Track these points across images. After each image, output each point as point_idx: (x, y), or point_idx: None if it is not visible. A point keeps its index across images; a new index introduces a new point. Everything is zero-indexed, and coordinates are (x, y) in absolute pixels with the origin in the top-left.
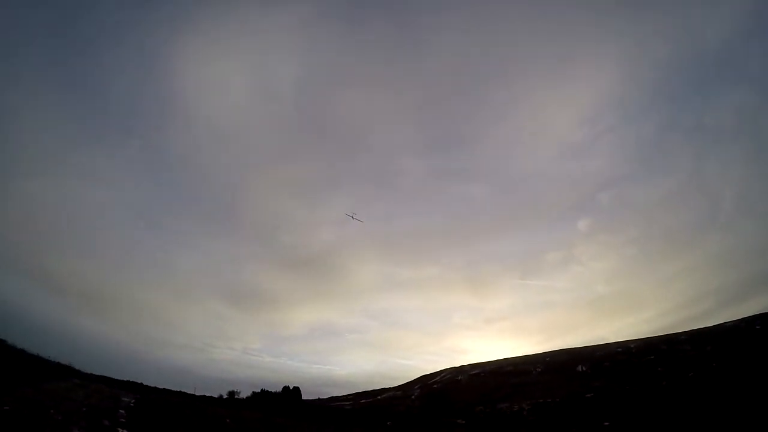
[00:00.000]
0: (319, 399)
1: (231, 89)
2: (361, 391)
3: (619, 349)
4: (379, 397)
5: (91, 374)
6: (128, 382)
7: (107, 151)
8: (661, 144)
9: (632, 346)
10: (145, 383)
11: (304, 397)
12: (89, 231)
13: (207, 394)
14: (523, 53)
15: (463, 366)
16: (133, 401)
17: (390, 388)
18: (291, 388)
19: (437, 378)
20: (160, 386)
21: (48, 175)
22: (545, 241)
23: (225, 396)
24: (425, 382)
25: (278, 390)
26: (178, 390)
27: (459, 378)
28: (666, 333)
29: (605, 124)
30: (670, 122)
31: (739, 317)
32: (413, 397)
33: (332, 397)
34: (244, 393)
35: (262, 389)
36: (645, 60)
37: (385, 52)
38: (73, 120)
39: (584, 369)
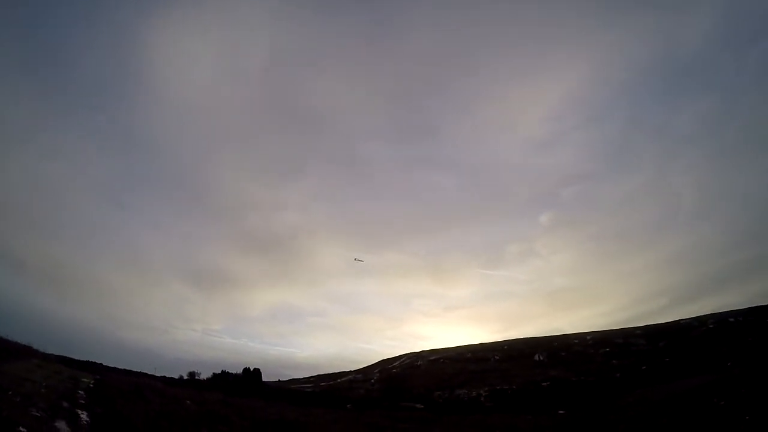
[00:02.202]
0: (279, 381)
1: (200, 68)
2: (321, 374)
3: (576, 341)
4: (339, 380)
5: (51, 354)
6: (88, 362)
7: (71, 126)
8: (625, 144)
9: (589, 338)
10: (105, 364)
11: (264, 379)
12: (51, 207)
13: (167, 375)
14: (496, 46)
15: (422, 351)
16: (92, 382)
17: (350, 371)
18: (252, 369)
19: (397, 363)
20: (120, 367)
21: (8, 149)
22: (507, 232)
23: (185, 377)
24: (385, 366)
25: (239, 371)
26: (139, 371)
27: (418, 363)
28: (622, 327)
29: (572, 122)
30: (636, 123)
31: (693, 315)
32: (373, 380)
33: (293, 380)
34: (205, 374)
35: (222, 370)
36: (615, 61)
37: (359, 38)
38: (36, 93)
39: (542, 358)
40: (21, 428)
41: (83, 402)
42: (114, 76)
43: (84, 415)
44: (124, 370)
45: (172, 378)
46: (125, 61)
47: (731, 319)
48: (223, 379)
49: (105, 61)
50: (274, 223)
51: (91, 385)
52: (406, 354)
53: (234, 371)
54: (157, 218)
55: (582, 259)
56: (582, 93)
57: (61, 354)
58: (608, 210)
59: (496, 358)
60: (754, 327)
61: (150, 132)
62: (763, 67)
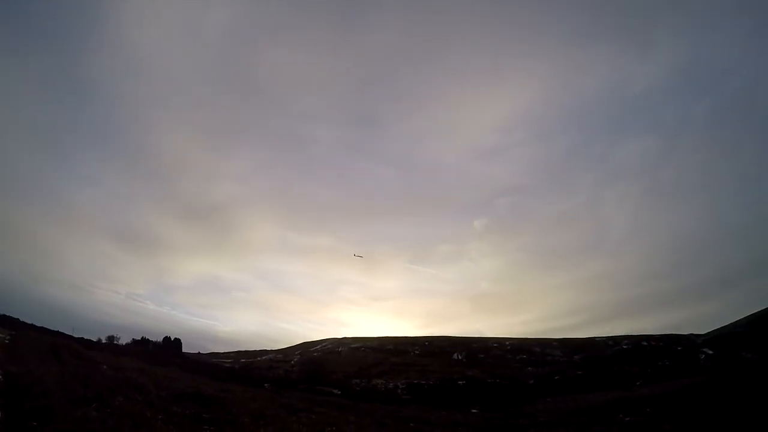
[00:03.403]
0: (199, 353)
1: (159, 23)
2: (241, 350)
3: (495, 344)
4: (259, 359)
5: None
6: (4, 316)
7: (15, 62)
8: (565, 166)
9: (507, 343)
10: (21, 319)
11: (184, 349)
12: None
13: (86, 337)
14: (458, 52)
15: (345, 338)
16: (7, 338)
17: (271, 350)
18: (172, 339)
19: (318, 347)
20: (38, 324)
21: None
22: (440, 232)
23: (104, 340)
24: (306, 349)
25: (159, 340)
26: (56, 330)
27: (340, 350)
28: (540, 337)
29: (519, 136)
30: (579, 149)
31: (608, 335)
32: (293, 362)
33: (213, 353)
34: (124, 339)
35: (142, 337)
36: (569, 87)
37: (324, 18)
38: None
39: (460, 358)
40: None
41: None
42: (67, 18)
43: None
44: (41, 327)
45: (90, 340)
46: (82, 4)
47: (644, 343)
48: (142, 345)
49: (61, 2)
50: (210, 192)
51: (6, 342)
52: (328, 339)
53: (154, 339)
54: (91, 171)
55: (509, 267)
56: (533, 111)
57: None
58: (540, 225)
59: (416, 352)
60: (665, 352)
61: (97, 82)
62: (706, 121)
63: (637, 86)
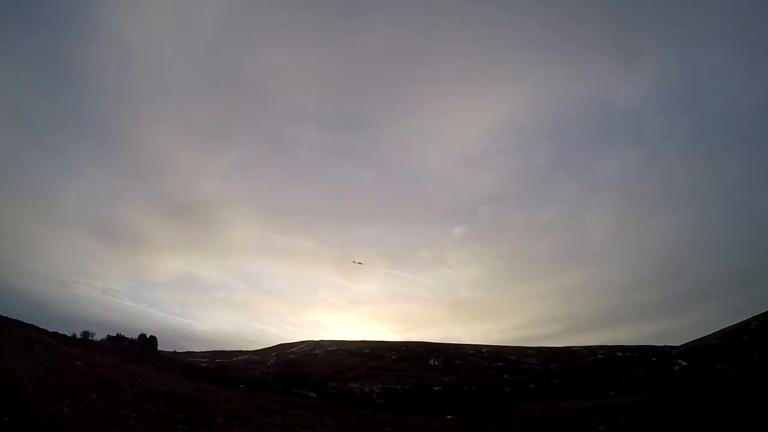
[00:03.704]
0: (175, 352)
1: (151, 14)
2: (217, 350)
3: (472, 351)
4: (235, 359)
5: None
6: None
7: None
8: (548, 176)
9: (484, 351)
10: None
11: (160, 347)
12: None
13: (60, 332)
14: (447, 58)
15: (322, 341)
16: None
17: (247, 351)
18: (148, 336)
19: (295, 349)
20: (12, 316)
21: None
22: (420, 238)
23: (79, 335)
24: (283, 350)
25: (134, 337)
26: (30, 323)
27: (316, 352)
28: (516, 345)
29: (503, 145)
30: (562, 159)
31: (584, 345)
32: (269, 364)
33: (189, 352)
34: (99, 335)
35: (118, 333)
36: (556, 97)
37: (315, 19)
38: None
39: (436, 363)
40: None
41: None
42: (57, 10)
43: None
44: (15, 320)
45: (64, 335)
46: None
47: (619, 354)
48: (117, 342)
49: None
50: (193, 189)
51: None
52: (305, 341)
53: (130, 336)
54: (76, 163)
55: (488, 275)
56: (518, 120)
57: None
58: (520, 234)
59: (393, 357)
60: (640, 363)
61: (84, 67)
62: (689, 138)
63: (622, 99)
